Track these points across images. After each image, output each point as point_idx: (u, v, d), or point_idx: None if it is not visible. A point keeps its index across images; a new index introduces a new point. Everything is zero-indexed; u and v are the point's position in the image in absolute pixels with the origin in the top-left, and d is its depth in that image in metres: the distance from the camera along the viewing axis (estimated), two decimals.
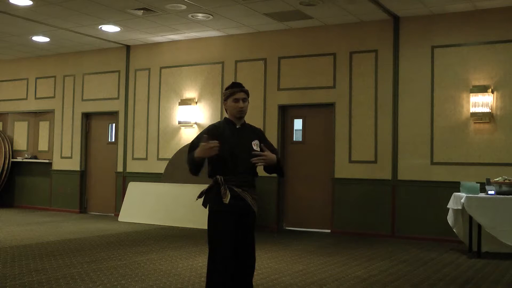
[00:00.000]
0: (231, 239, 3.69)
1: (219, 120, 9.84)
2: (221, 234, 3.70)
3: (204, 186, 3.91)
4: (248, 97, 3.91)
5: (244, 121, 3.93)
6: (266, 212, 9.44)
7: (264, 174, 4.15)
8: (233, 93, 3.83)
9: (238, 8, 8.51)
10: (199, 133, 3.95)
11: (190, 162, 3.77)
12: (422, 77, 8.62)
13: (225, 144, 3.71)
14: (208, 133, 3.80)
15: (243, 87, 3.90)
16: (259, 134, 3.95)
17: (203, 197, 3.86)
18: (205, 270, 3.67)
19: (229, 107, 3.86)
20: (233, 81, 4.21)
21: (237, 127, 3.86)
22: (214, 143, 3.61)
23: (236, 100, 3.82)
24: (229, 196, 3.68)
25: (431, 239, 8.31)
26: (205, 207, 3.83)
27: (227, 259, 3.68)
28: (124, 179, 11.16)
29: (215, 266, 3.68)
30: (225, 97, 3.88)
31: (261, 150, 3.84)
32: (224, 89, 3.97)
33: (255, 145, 3.83)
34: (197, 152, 3.67)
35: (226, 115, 3.97)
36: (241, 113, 3.84)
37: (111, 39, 10.77)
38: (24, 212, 11.73)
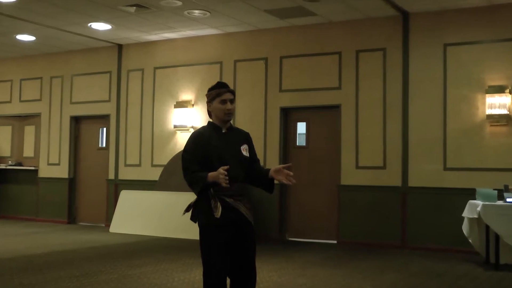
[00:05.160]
0: (226, 254, 3.65)
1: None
2: (215, 250, 3.63)
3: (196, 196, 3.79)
4: (235, 99, 3.85)
5: (231, 125, 3.88)
6: (268, 222, 9.42)
7: None
8: (220, 94, 3.76)
9: (237, 5, 8.50)
10: (186, 144, 3.79)
11: (196, 184, 3.66)
12: (433, 77, 8.60)
13: (212, 152, 3.67)
14: (194, 143, 3.72)
15: (229, 87, 3.84)
16: (248, 139, 3.89)
17: (191, 211, 3.77)
18: (202, 284, 3.66)
19: (215, 109, 3.78)
20: (218, 80, 4.11)
21: (223, 131, 3.80)
22: (224, 174, 3.52)
23: (224, 102, 3.75)
24: (220, 209, 3.62)
25: (444, 249, 8.28)
26: (194, 222, 3.74)
27: (223, 275, 3.65)
28: (116, 187, 11.13)
29: (211, 281, 3.64)
30: (210, 98, 3.80)
31: (250, 155, 3.81)
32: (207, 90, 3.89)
33: (244, 150, 3.79)
34: (211, 177, 3.58)
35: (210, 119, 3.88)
36: (229, 115, 3.78)
37: (102, 37, 10.75)
38: (8, 223, 11.68)
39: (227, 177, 3.50)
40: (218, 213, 3.61)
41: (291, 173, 3.70)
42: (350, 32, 9.24)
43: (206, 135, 3.75)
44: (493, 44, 8.28)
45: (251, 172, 3.83)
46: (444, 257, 7.83)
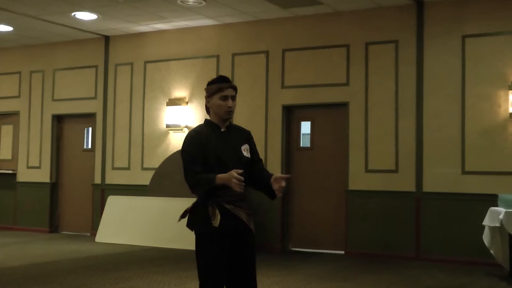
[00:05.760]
0: (225, 266, 3.63)
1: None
2: (212, 262, 3.62)
3: (193, 201, 3.78)
4: (236, 95, 3.84)
5: (230, 123, 3.87)
6: (269, 230, 9.41)
7: None
8: (221, 89, 3.74)
9: None
10: (183, 145, 3.76)
11: (201, 186, 3.62)
12: (451, 72, 8.59)
13: (210, 152, 3.66)
14: (192, 143, 3.69)
15: (232, 82, 3.83)
16: (248, 138, 3.89)
17: (187, 217, 3.75)
18: None
19: (214, 105, 3.77)
20: (220, 75, 4.07)
21: (222, 130, 3.78)
22: (238, 179, 3.49)
23: (225, 98, 3.74)
24: (219, 217, 3.59)
25: (463, 262, 8.25)
26: (191, 230, 3.73)
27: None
28: (103, 192, 11.11)
29: None
30: (210, 93, 3.78)
31: (251, 156, 3.81)
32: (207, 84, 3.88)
33: (245, 150, 3.78)
34: (221, 179, 3.55)
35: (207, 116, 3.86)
36: (230, 113, 3.78)
37: (87, 28, 10.75)
38: None
39: (243, 183, 3.49)
40: (217, 221, 3.58)
41: (283, 184, 3.67)
42: (359, 23, 9.24)
43: (203, 134, 3.73)
44: None
45: (253, 173, 3.81)
46: (462, 270, 7.82)
